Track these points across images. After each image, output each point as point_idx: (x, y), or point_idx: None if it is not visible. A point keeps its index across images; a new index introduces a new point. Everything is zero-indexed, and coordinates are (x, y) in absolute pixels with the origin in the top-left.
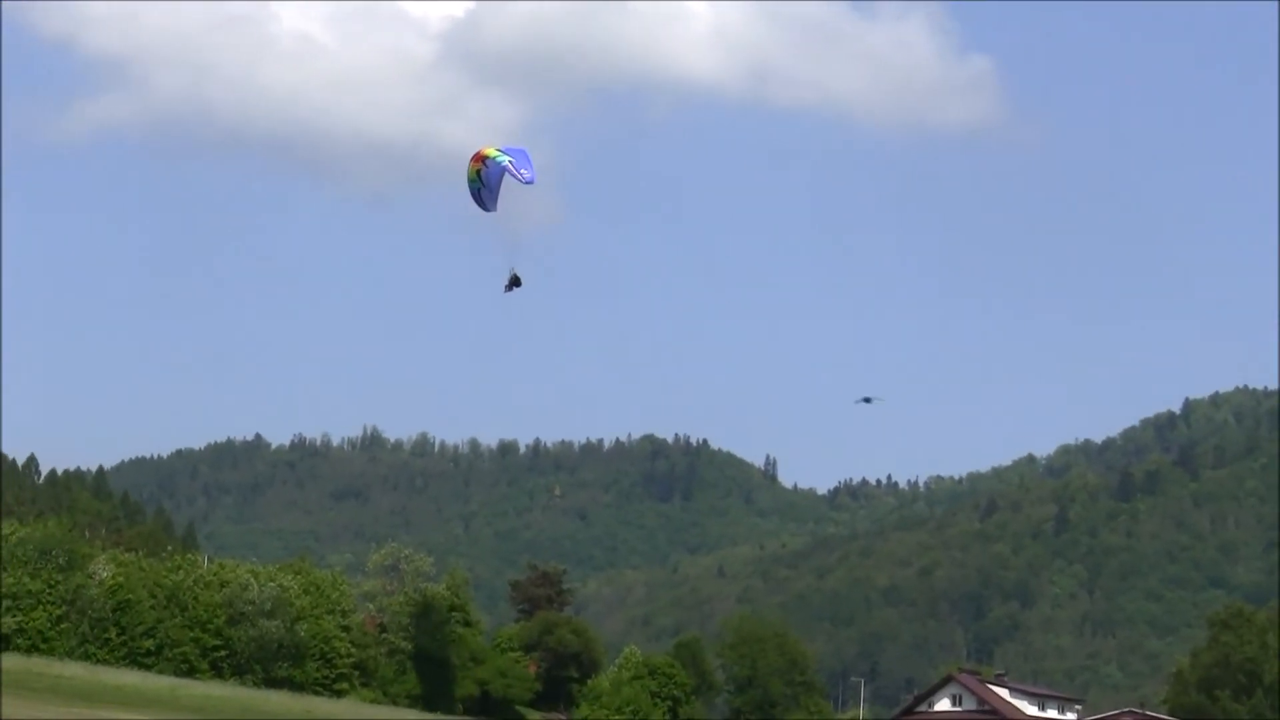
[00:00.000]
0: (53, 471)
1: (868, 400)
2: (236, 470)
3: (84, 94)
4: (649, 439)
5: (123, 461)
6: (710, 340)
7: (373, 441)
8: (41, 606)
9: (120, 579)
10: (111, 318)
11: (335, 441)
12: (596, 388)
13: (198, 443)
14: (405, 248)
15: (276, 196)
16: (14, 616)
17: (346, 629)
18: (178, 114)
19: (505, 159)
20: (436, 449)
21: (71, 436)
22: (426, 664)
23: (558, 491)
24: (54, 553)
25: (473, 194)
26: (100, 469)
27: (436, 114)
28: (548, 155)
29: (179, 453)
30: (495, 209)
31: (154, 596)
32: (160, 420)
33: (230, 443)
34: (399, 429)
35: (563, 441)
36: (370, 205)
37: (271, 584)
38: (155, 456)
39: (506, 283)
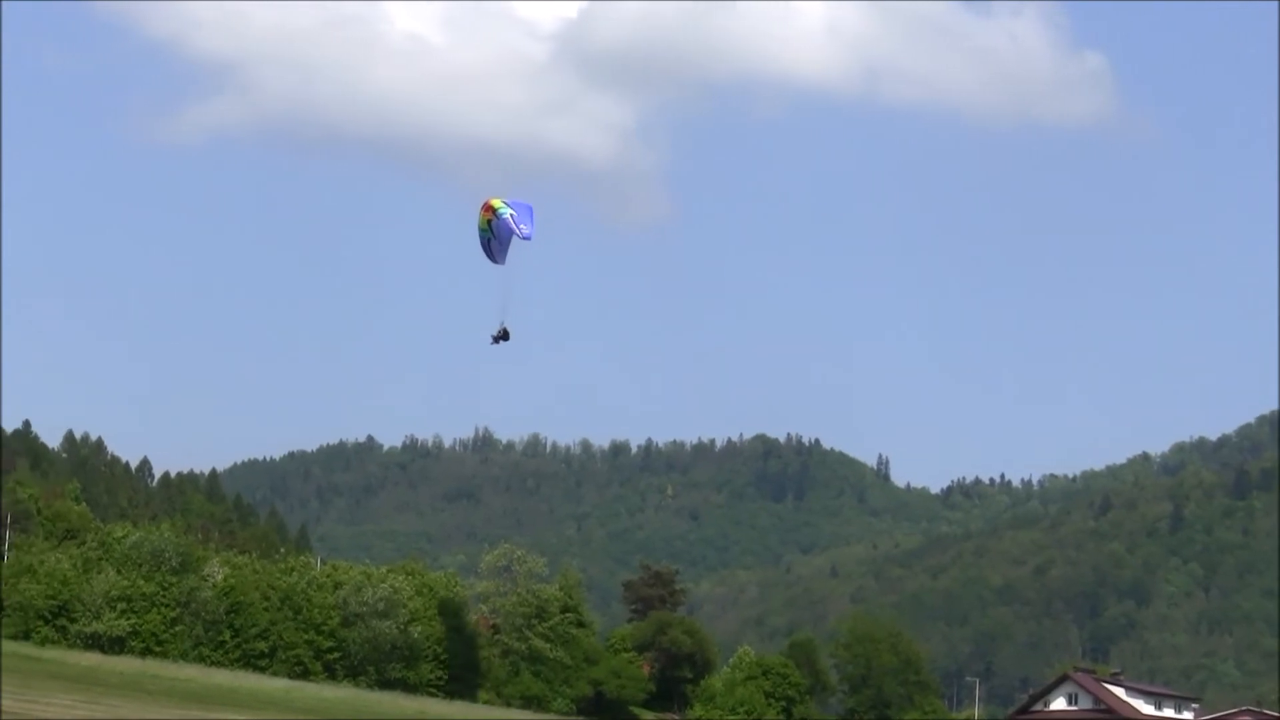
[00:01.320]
0: (166, 474)
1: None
2: (349, 472)
3: (192, 97)
4: (761, 438)
5: (235, 464)
6: (821, 339)
7: (484, 443)
8: (156, 609)
9: (234, 581)
10: (222, 320)
11: (447, 443)
12: (708, 387)
13: (310, 445)
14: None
15: (384, 198)
16: (128, 619)
17: (459, 629)
18: (287, 116)
19: (509, 211)
20: (548, 450)
21: (184, 440)
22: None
23: (670, 492)
24: (168, 555)
25: (482, 244)
26: (213, 472)
27: (547, 115)
28: (658, 154)
29: (291, 455)
30: (503, 262)
31: (267, 599)
32: (272, 423)
33: (342, 445)
34: (510, 430)
35: (675, 441)
36: (477, 207)
37: (385, 585)
38: (268, 459)
39: (495, 335)
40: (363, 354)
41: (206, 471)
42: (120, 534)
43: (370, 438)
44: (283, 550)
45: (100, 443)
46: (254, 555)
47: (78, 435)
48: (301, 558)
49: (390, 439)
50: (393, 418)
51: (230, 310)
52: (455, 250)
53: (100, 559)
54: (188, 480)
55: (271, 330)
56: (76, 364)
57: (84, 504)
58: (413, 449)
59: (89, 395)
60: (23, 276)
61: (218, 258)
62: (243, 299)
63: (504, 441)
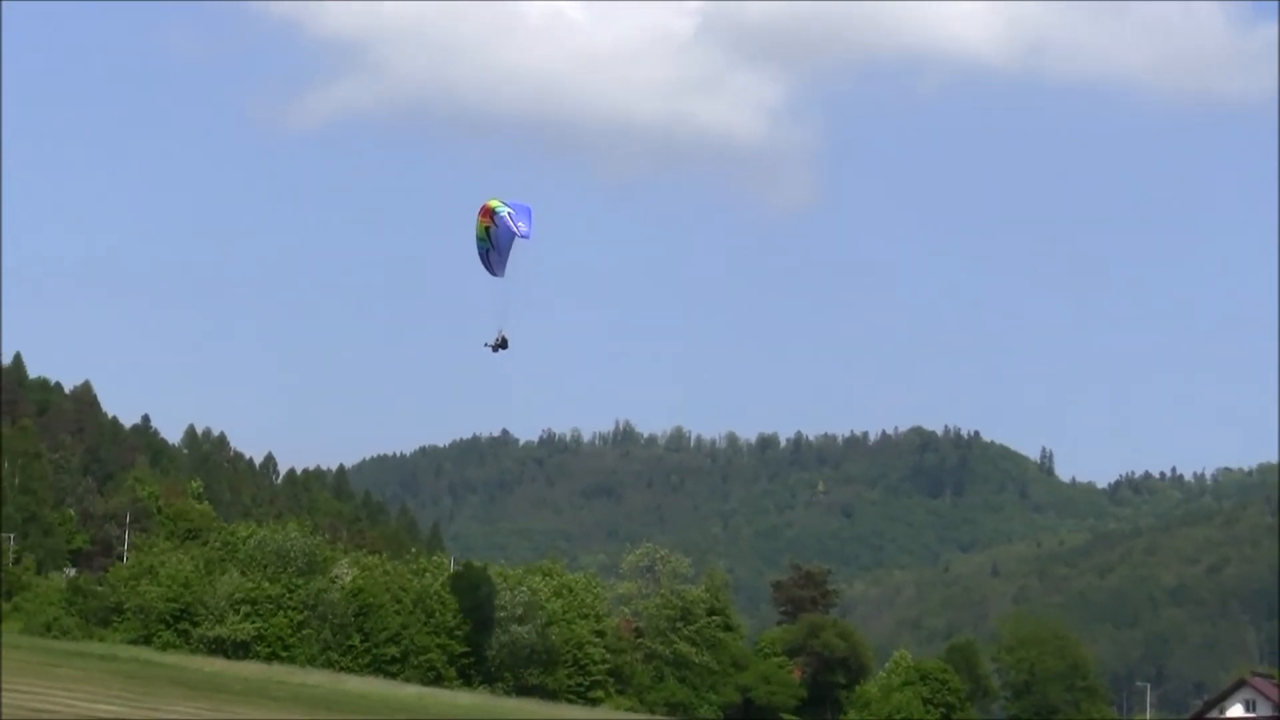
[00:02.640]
0: (291, 471)
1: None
2: (483, 468)
3: (318, 78)
4: (917, 431)
5: (364, 460)
6: (979, 326)
7: (625, 437)
8: (282, 612)
9: (363, 583)
10: (349, 311)
11: (586, 437)
12: (860, 378)
13: (442, 439)
14: (655, 234)
15: (523, 181)
16: (253, 622)
17: (600, 634)
18: (419, 98)
19: (506, 210)
20: (692, 444)
21: (310, 435)
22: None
23: (821, 487)
24: (294, 556)
25: (480, 255)
26: (340, 468)
27: (694, 92)
28: (809, 133)
29: (423, 450)
30: (503, 274)
31: (398, 601)
32: (403, 417)
33: (476, 439)
34: (652, 423)
35: (826, 435)
36: (620, 190)
37: (522, 587)
38: (398, 455)
39: (493, 344)
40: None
41: (334, 468)
42: (244, 534)
43: (505, 432)
44: (414, 550)
45: (223, 438)
46: (384, 556)
47: (199, 431)
48: (434, 558)
49: (526, 433)
50: (529, 411)
51: (358, 300)
52: (596, 235)
53: (223, 560)
54: (314, 477)
55: (402, 321)
56: (198, 357)
57: (206, 502)
58: (550, 443)
59: (211, 389)
60: (143, 268)
61: (345, 246)
62: (371, 289)
63: (646, 435)
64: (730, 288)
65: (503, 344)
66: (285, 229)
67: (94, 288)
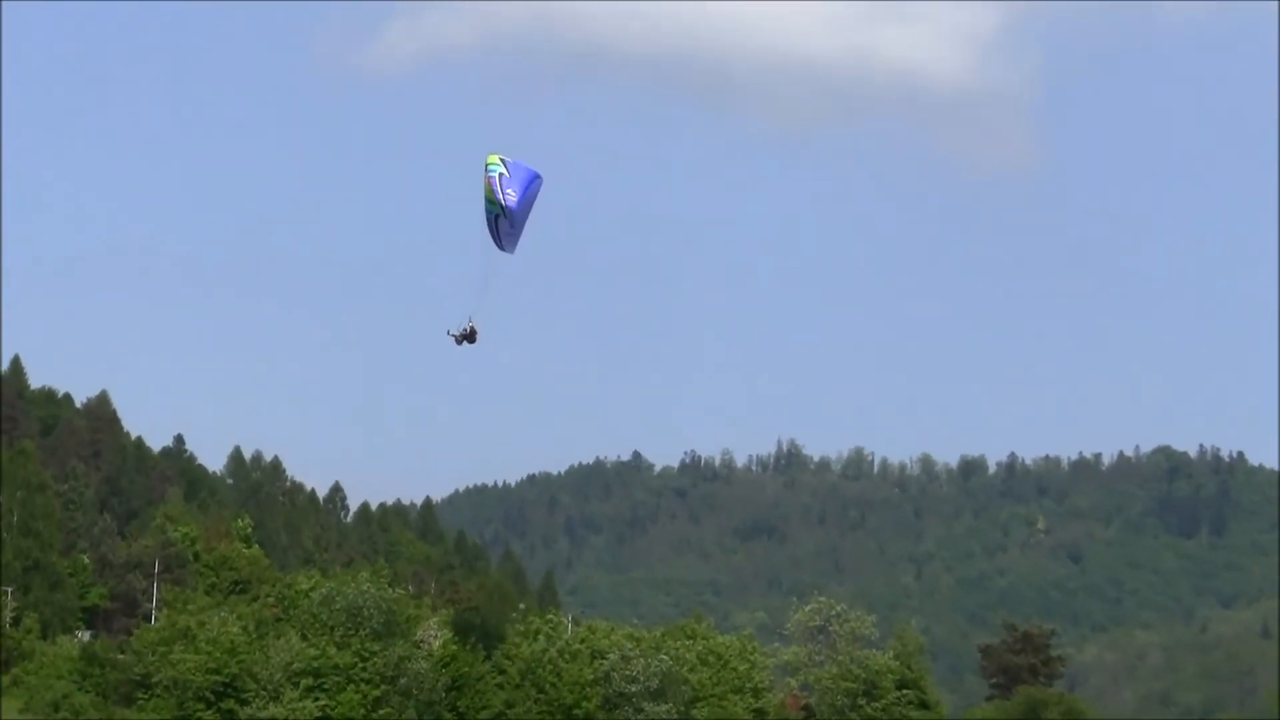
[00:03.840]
0: (365, 506)
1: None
2: (609, 500)
3: (395, 14)
4: (1164, 452)
5: (457, 492)
6: (1240, 323)
7: (790, 460)
8: (353, 685)
9: (456, 648)
10: (433, 302)
11: (740, 461)
12: (1091, 387)
13: (556, 465)
14: (829, 201)
15: (657, 134)
16: (316, 699)
17: (760, 712)
18: (526, 31)
19: (499, 169)
20: (876, 468)
21: (388, 460)
22: None
23: (1041, 524)
24: (368, 614)
25: (488, 222)
26: (427, 502)
27: (880, 23)
28: (1026, 74)
29: (531, 479)
30: (513, 250)
31: (502, 672)
32: (505, 437)
33: (600, 465)
34: (824, 443)
35: (1046, 457)
36: (784, 146)
37: (659, 654)
38: (500, 484)
39: (458, 334)
40: (625, 341)
41: (418, 502)
42: (305, 586)
43: (637, 455)
44: (522, 606)
45: (277, 465)
46: (483, 613)
47: (246, 455)
48: (547, 616)
49: (664, 456)
50: (666, 428)
51: (445, 290)
52: (753, 202)
53: (279, 620)
54: (394, 513)
55: (502, 313)
56: (243, 362)
57: (256, 546)
58: (694, 469)
59: (260, 402)
60: (172, 252)
61: (430, 222)
62: (462, 276)
63: (816, 459)
64: (924, 269)
65: (470, 336)
66: (353, 200)
67: (112, 278)
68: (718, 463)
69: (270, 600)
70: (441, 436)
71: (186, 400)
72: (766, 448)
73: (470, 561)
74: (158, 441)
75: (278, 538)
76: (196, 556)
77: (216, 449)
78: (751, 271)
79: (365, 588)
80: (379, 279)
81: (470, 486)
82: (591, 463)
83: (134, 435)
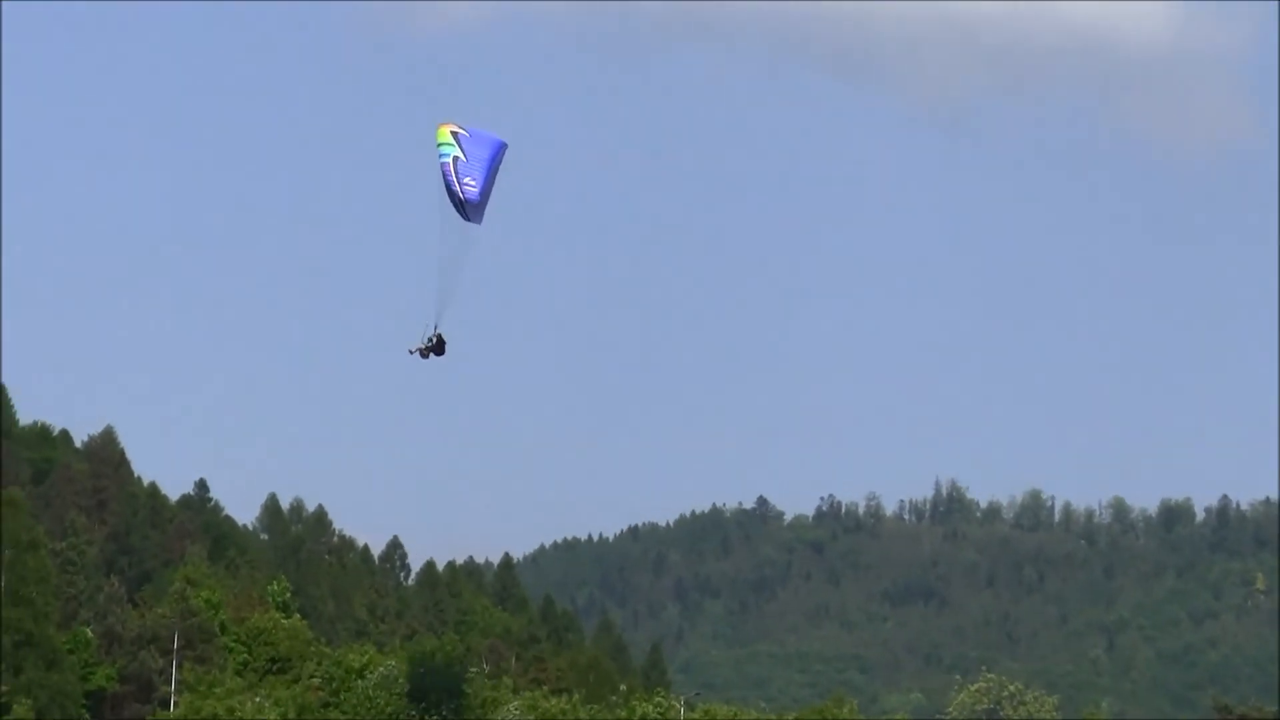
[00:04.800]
0: (429, 566)
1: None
2: (729, 558)
3: None
4: None
5: (542, 547)
6: None
7: (951, 507)
8: None
9: None
10: (516, 317)
11: (890, 508)
12: None
13: (663, 515)
14: (993, 190)
15: (782, 109)
16: None
17: None
18: None
19: (452, 153)
20: (1057, 516)
21: (457, 509)
22: None
23: (1260, 584)
24: (435, 697)
25: (447, 186)
26: (506, 560)
27: None
28: (1236, 33)
29: (633, 532)
30: (479, 220)
31: None
32: (601, 481)
33: (717, 514)
34: (993, 486)
35: (1266, 501)
36: (931, 121)
37: None
38: (595, 538)
39: (421, 347)
40: (744, 366)
41: (495, 560)
42: (358, 663)
43: (763, 502)
44: (623, 688)
45: (321, 516)
46: (576, 694)
47: (284, 503)
48: (655, 699)
49: (795, 503)
50: (799, 469)
51: (524, 301)
52: (902, 192)
53: (327, 705)
54: (465, 574)
55: (595, 331)
56: (278, 394)
57: (297, 615)
58: (834, 518)
59: (298, 441)
60: (185, 258)
61: (507, 216)
62: (546, 281)
63: (982, 505)
64: (1113, 272)
65: (436, 347)
66: (406, 186)
67: (118, 292)
68: (862, 511)
69: (315, 682)
70: (523, 481)
71: (209, 438)
72: (922, 492)
73: (559, 633)
74: (175, 489)
75: (323, 605)
76: (224, 628)
77: (247, 498)
78: (900, 277)
79: (433, 659)
80: (430, 291)
81: (559, 541)
82: (707, 511)
83: (146, 481)
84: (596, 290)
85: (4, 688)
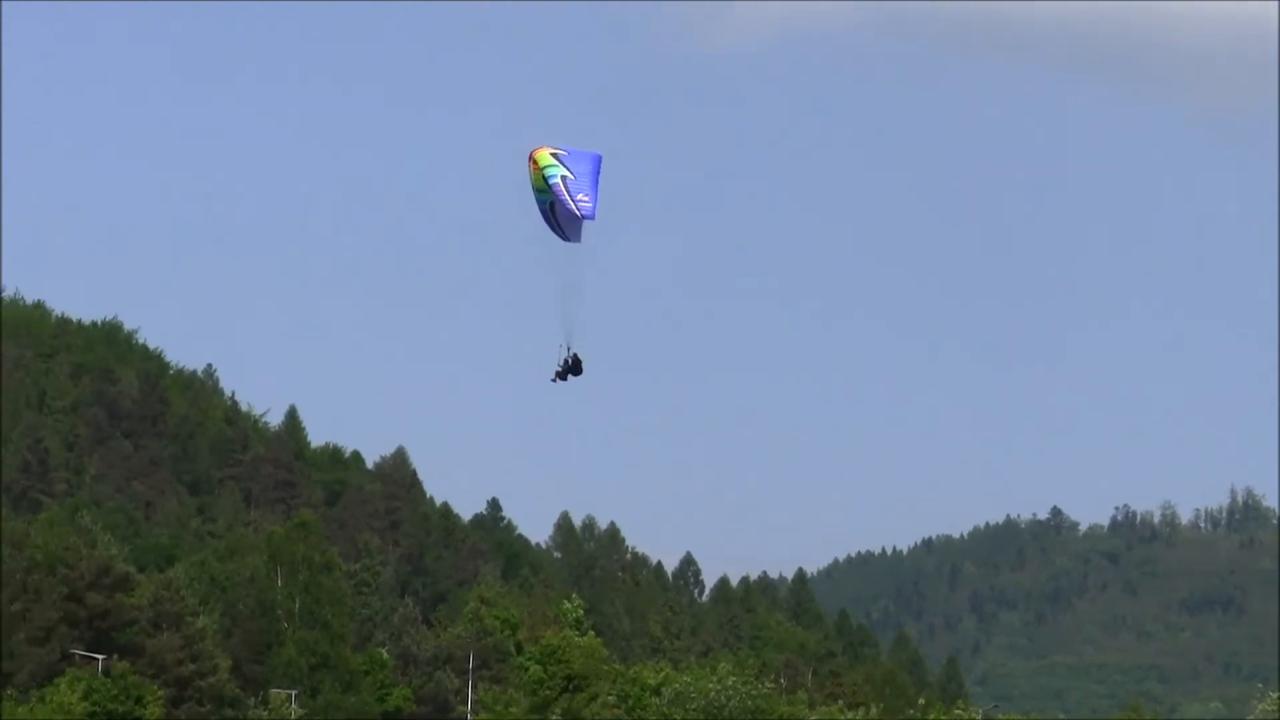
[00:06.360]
0: (723, 581)
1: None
2: (1023, 569)
3: None
4: None
5: (835, 561)
6: None
7: (1248, 515)
8: None
9: None
10: (802, 325)
11: (1185, 516)
12: None
13: (957, 527)
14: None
15: (1062, 118)
16: None
17: None
18: (901, 5)
19: (559, 173)
20: None
21: (749, 523)
22: None
23: None
24: (731, 713)
25: (542, 210)
26: (800, 575)
27: None
28: None
29: (928, 545)
30: (579, 238)
31: None
32: (892, 493)
33: (1012, 525)
34: None
35: None
36: (1222, 129)
37: None
38: (889, 552)
39: (558, 370)
40: (1034, 375)
41: (789, 574)
42: (653, 681)
43: (1057, 512)
44: (921, 701)
45: (613, 533)
46: (874, 707)
47: (576, 522)
48: (954, 712)
49: (1090, 513)
50: (1092, 479)
51: (823, 319)
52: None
53: None
54: (760, 590)
55: (887, 348)
56: (568, 412)
57: (591, 633)
58: (1128, 529)
59: (589, 459)
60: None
61: (786, 227)
62: (838, 288)
63: (1278, 512)
64: None
65: (574, 367)
66: (692, 202)
67: (402, 313)
68: (1157, 520)
69: (610, 700)
70: (815, 495)
71: (500, 457)
72: (1218, 499)
73: (855, 647)
74: (467, 509)
75: (617, 623)
76: (518, 648)
77: (539, 516)
78: (1189, 280)
79: (728, 682)
80: (733, 305)
81: (852, 555)
82: (1001, 523)
83: (438, 501)
84: (887, 304)
85: (301, 710)
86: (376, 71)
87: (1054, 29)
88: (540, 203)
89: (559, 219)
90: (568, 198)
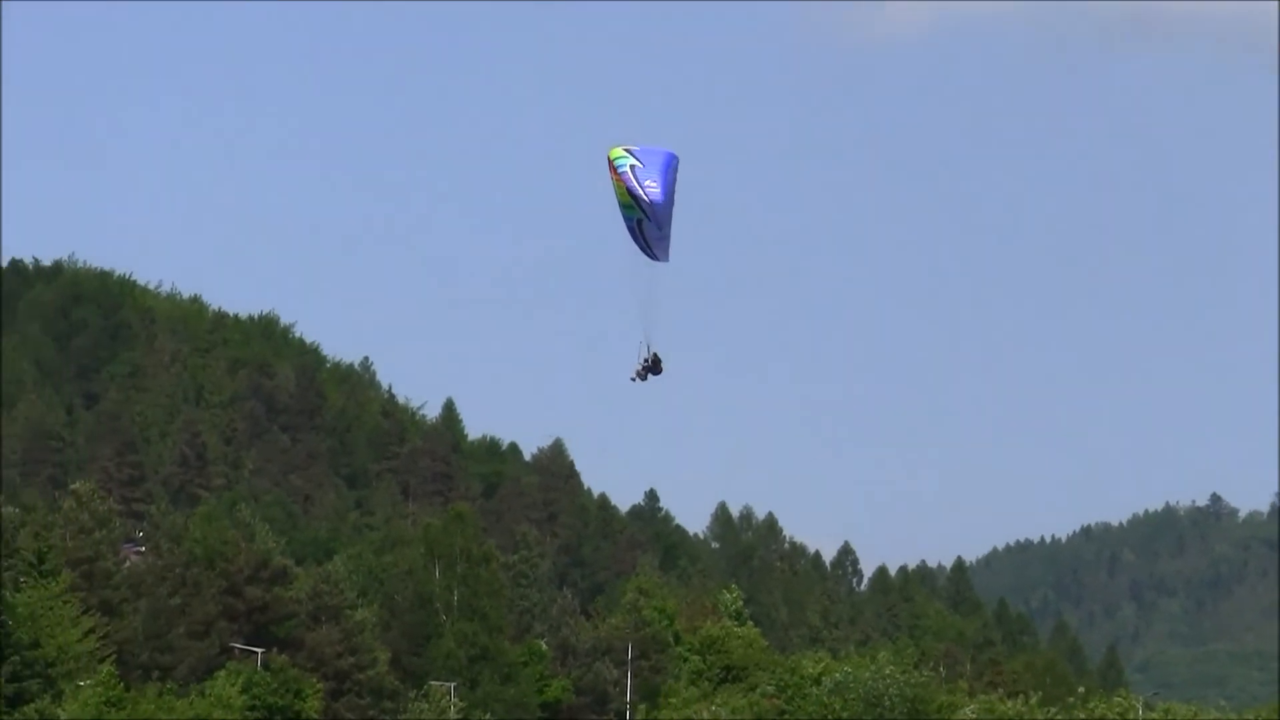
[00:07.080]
0: (881, 571)
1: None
2: (1183, 556)
3: None
4: None
5: (994, 550)
6: None
7: None
8: None
9: None
10: (951, 313)
11: None
12: None
13: (1116, 515)
14: None
15: (1224, 108)
16: None
17: None
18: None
19: (629, 162)
20: None
21: (909, 511)
22: None
23: None
24: (890, 702)
25: (630, 228)
26: (959, 564)
27: None
28: None
29: (1086, 532)
30: (667, 256)
31: None
32: (1052, 482)
33: (1171, 512)
34: None
35: None
36: None
37: None
38: (1048, 540)
39: (638, 370)
40: (1192, 356)
41: (948, 563)
42: (813, 670)
43: (1216, 499)
44: (1081, 690)
45: (771, 523)
46: (1033, 697)
47: (733, 512)
48: (1114, 700)
49: (1251, 499)
50: (1253, 463)
51: (966, 308)
52: None
53: (782, 713)
54: (918, 579)
55: (1038, 333)
56: (723, 399)
57: (750, 623)
58: None
59: (745, 448)
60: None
61: (938, 216)
62: (985, 276)
63: None
64: None
65: (653, 367)
66: (852, 192)
67: (555, 300)
68: None
69: (770, 690)
70: (973, 483)
71: (656, 448)
72: None
73: (1014, 636)
74: (624, 500)
75: (776, 613)
76: (677, 639)
77: (696, 507)
78: None
79: (886, 671)
80: (892, 286)
81: (1011, 544)
82: (1160, 510)
83: (596, 493)
84: (1047, 293)
85: (461, 702)
86: (543, 74)
87: (1221, 14)
88: (627, 220)
89: (646, 236)
90: (636, 184)
